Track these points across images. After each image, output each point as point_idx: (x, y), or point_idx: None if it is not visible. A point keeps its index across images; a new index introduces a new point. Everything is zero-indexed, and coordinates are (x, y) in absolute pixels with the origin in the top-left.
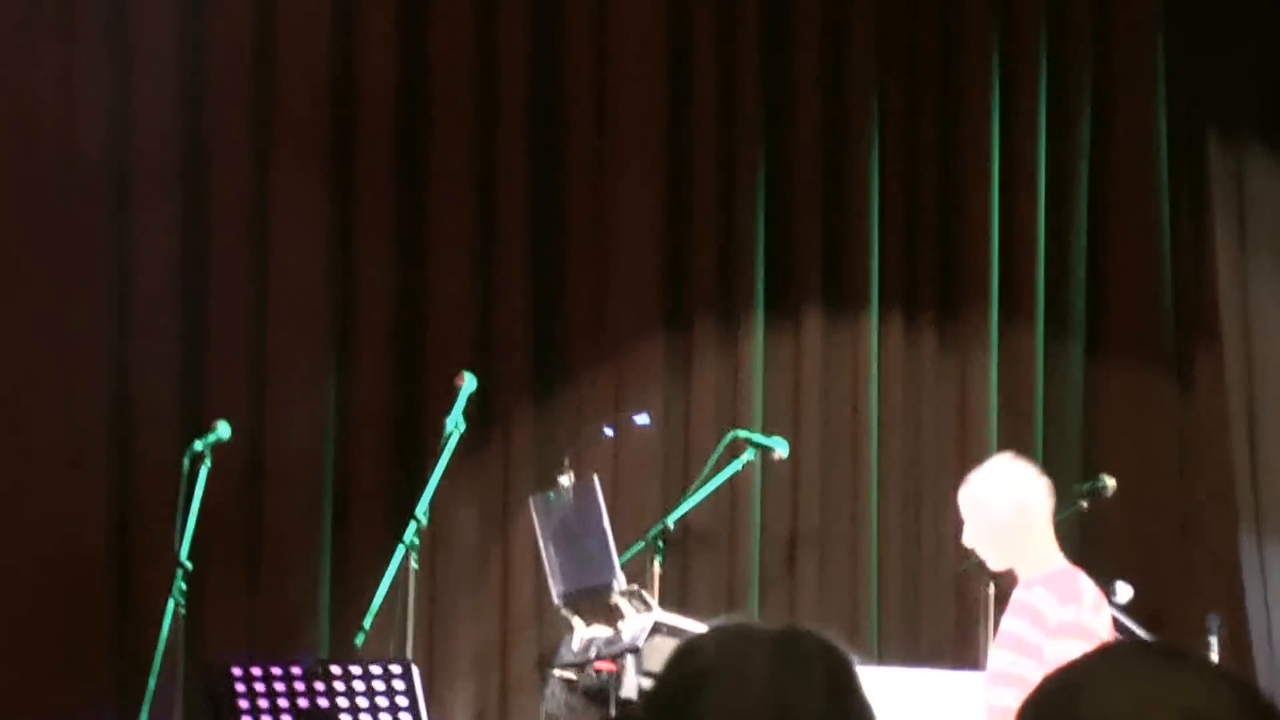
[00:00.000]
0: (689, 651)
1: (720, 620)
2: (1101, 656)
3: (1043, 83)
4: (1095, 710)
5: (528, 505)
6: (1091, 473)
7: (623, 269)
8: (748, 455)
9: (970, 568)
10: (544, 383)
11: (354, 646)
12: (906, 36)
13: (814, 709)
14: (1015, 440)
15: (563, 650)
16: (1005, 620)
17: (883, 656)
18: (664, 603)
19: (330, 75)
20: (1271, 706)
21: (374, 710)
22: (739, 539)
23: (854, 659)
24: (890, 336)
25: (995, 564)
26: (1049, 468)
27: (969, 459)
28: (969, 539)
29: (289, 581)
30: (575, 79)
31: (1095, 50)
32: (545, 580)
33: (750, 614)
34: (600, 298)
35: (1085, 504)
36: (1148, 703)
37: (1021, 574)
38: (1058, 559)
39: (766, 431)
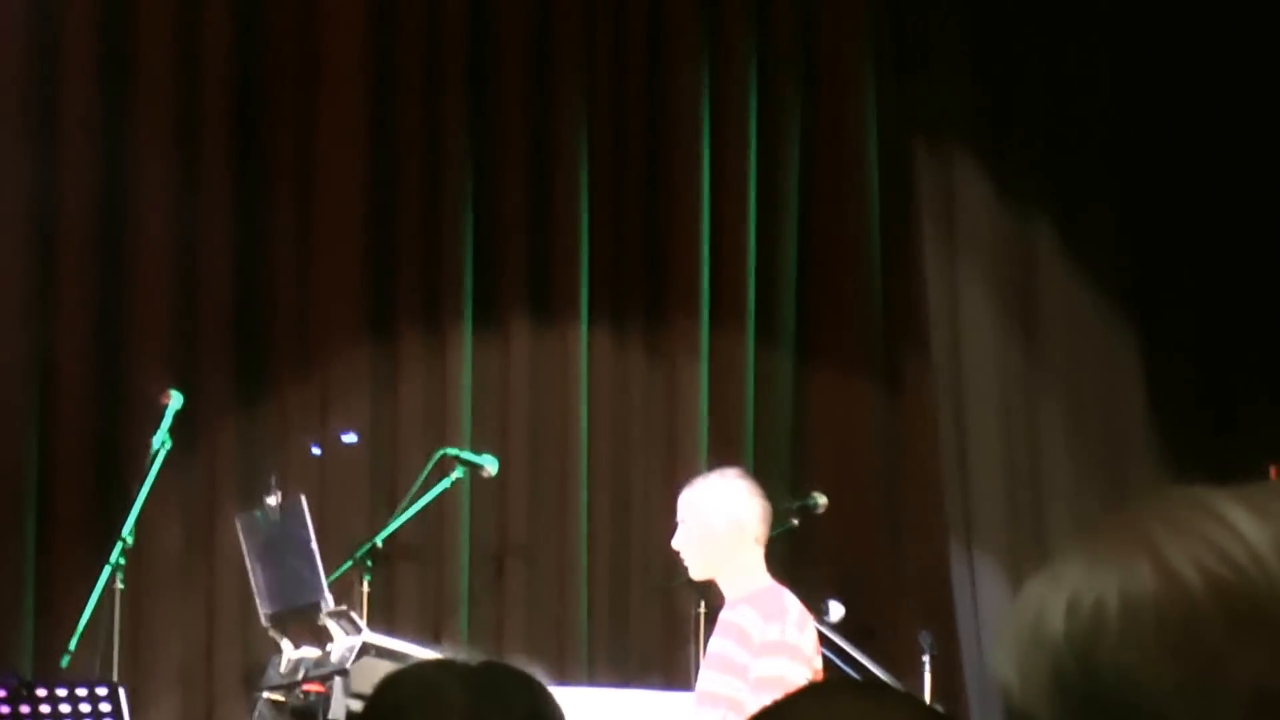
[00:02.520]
0: (389, 685)
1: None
2: (807, 694)
3: (753, 91)
4: None
5: (234, 524)
6: (801, 483)
7: (326, 281)
8: (457, 473)
9: (679, 584)
10: (248, 399)
11: (59, 668)
12: (613, 46)
13: None
14: (725, 451)
15: (270, 671)
16: (713, 640)
17: (592, 674)
18: (372, 622)
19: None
20: None
21: None
22: (447, 556)
23: (552, 694)
24: (599, 346)
25: (697, 572)
26: (759, 478)
27: (678, 470)
28: (679, 542)
29: None
30: (279, 86)
31: (805, 60)
32: (252, 599)
33: (459, 632)
34: (303, 311)
35: (796, 521)
36: None
37: (727, 593)
38: (763, 578)
39: (475, 444)
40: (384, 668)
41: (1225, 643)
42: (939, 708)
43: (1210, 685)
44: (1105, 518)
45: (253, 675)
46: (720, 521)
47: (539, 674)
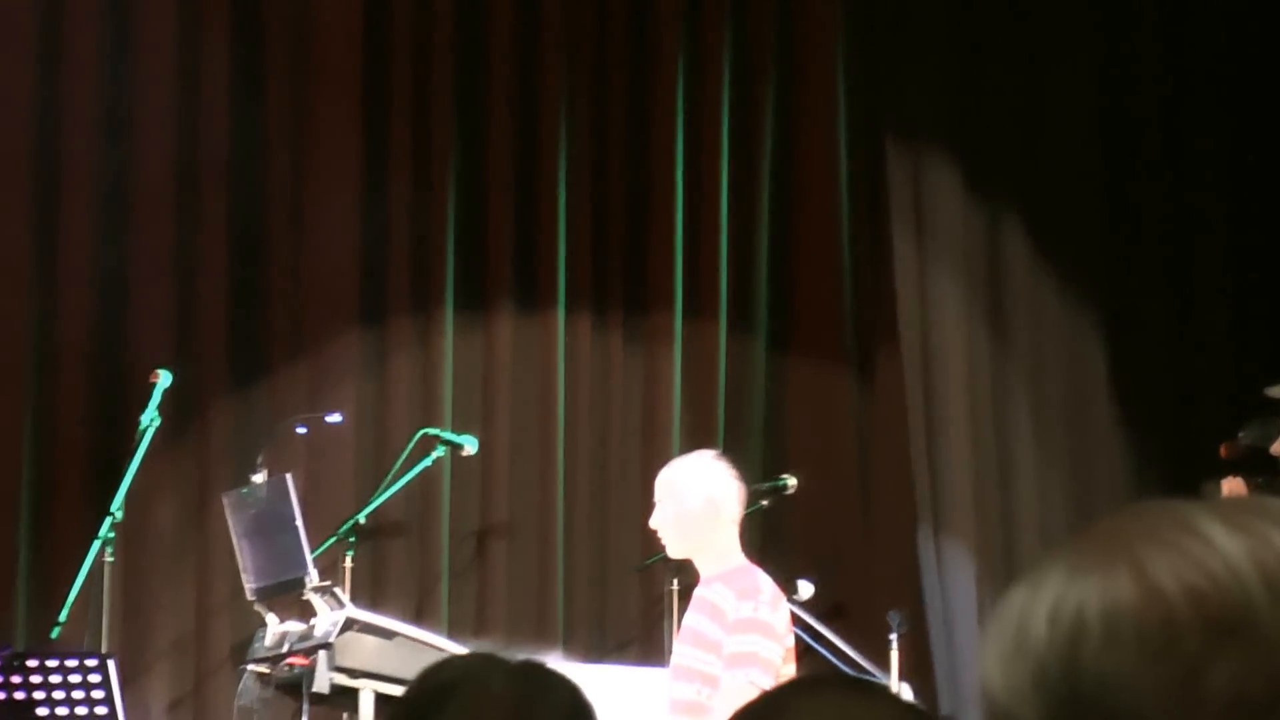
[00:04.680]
0: (435, 669)
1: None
2: (794, 688)
3: (726, 87)
4: None
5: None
6: (773, 468)
7: (319, 266)
8: (438, 452)
9: (655, 563)
10: (241, 379)
11: (51, 639)
12: (595, 41)
13: None
14: (699, 436)
15: (256, 644)
16: (688, 616)
17: (569, 650)
18: (356, 597)
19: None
20: None
21: (70, 703)
22: (429, 533)
23: (587, 695)
24: (578, 334)
25: (674, 551)
26: (732, 463)
27: (654, 453)
28: (656, 521)
29: None
30: (273, 75)
31: (778, 57)
32: (240, 574)
33: (440, 607)
34: (296, 295)
35: (767, 502)
36: None
37: (702, 571)
38: (738, 557)
39: (458, 426)
40: (367, 642)
41: (1203, 651)
42: (908, 685)
43: (1188, 691)
44: (1086, 530)
45: (241, 649)
46: (697, 501)
47: (577, 680)
